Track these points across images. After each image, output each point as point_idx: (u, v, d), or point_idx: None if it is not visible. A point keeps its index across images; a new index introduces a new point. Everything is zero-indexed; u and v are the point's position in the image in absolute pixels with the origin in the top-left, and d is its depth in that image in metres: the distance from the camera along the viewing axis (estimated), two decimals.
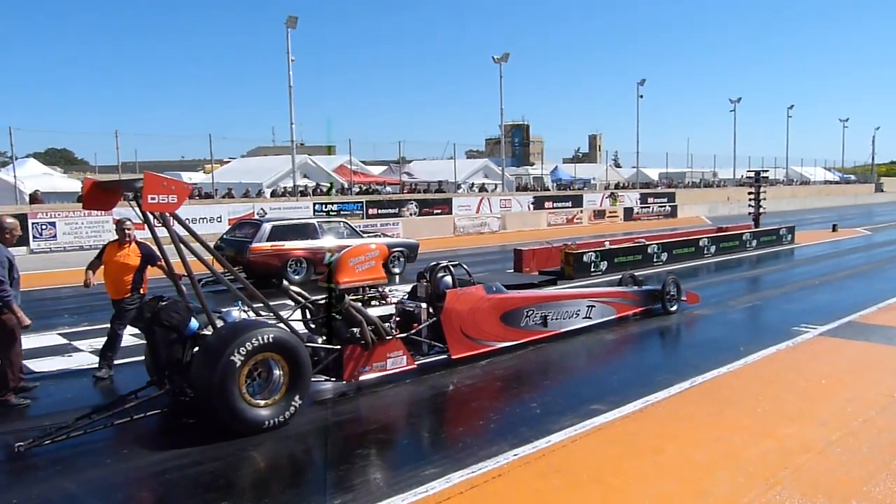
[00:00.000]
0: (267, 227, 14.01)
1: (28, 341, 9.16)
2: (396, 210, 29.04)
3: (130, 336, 9.37)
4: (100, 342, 9.07)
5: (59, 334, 9.62)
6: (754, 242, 20.73)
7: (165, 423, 5.92)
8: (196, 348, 6.05)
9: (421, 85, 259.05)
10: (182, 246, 6.13)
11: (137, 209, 6.06)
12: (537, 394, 7.00)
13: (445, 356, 7.61)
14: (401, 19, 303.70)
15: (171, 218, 5.92)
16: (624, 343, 9.27)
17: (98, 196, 6.43)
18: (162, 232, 6.09)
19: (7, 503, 4.55)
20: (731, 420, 5.95)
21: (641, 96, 46.33)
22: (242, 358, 5.55)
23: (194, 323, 6.16)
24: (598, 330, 9.45)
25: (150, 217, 5.94)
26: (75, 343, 9.05)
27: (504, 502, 4.47)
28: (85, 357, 8.37)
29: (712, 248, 19.00)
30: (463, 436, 5.86)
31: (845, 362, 7.92)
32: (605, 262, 15.66)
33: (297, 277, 13.65)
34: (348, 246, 13.97)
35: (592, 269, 15.32)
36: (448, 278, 7.83)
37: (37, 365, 7.99)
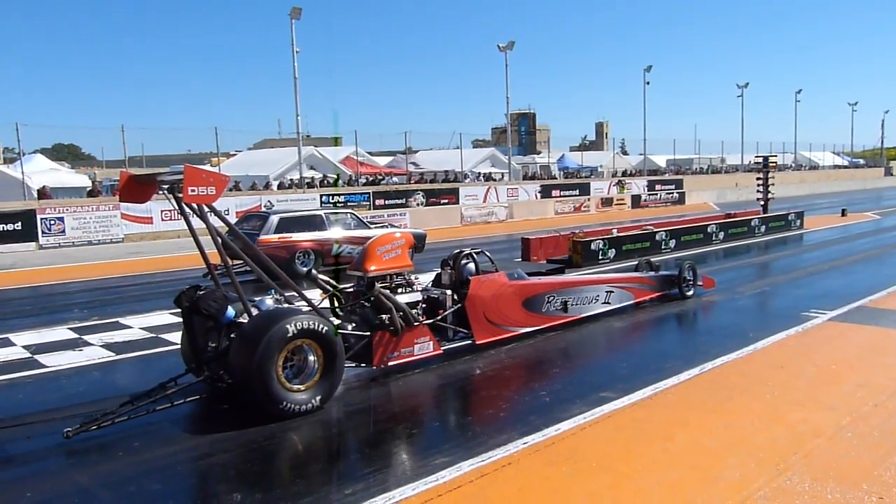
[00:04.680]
0: (274, 219, 14.05)
1: (38, 336, 9.29)
2: (403, 200, 29.05)
3: (141, 329, 9.48)
4: (110, 336, 9.21)
5: (70, 329, 9.67)
6: (763, 228, 20.62)
7: (172, 416, 5.95)
8: (232, 335, 6.14)
9: (426, 75, 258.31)
10: (218, 237, 6.19)
11: (174, 201, 6.10)
12: (546, 382, 7.01)
13: (470, 342, 7.71)
14: (406, 8, 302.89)
15: (209, 210, 5.96)
16: (632, 330, 9.26)
17: (134, 189, 6.47)
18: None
19: (20, 497, 4.60)
20: (741, 406, 5.93)
21: (648, 83, 46.15)
22: (296, 330, 5.75)
23: (231, 311, 6.25)
24: (607, 317, 9.44)
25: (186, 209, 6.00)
26: (86, 337, 9.10)
27: (513, 490, 4.48)
28: (96, 351, 8.42)
29: (721, 235, 18.92)
30: (472, 424, 5.89)
31: (855, 347, 7.88)
32: (613, 250, 15.63)
33: (304, 269, 13.69)
34: (356, 237, 14.28)
35: (600, 257, 15.29)
36: (471, 265, 7.94)
37: (48, 359, 8.04)
